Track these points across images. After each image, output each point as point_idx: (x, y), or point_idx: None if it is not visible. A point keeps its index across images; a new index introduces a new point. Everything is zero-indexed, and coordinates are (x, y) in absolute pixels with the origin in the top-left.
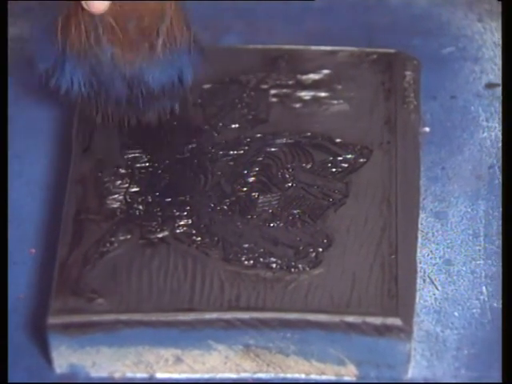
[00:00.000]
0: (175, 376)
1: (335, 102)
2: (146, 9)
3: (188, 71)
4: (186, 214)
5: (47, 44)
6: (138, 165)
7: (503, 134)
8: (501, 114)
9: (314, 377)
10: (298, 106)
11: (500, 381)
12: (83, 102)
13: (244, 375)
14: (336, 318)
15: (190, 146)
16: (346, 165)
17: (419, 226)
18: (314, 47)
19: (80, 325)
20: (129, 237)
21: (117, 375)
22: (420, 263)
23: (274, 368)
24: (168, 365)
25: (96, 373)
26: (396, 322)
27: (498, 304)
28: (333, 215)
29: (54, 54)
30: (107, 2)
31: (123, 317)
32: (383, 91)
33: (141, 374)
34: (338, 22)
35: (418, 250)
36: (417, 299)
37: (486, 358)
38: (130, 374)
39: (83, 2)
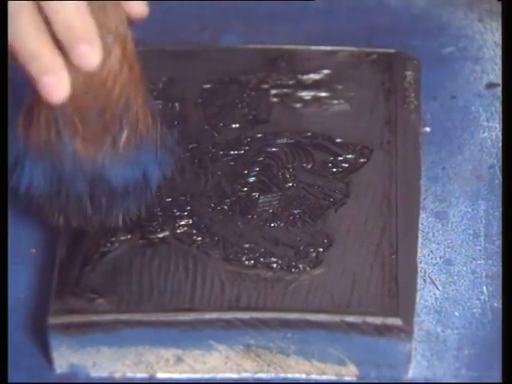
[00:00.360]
0: (176, 376)
1: (335, 101)
2: (108, 100)
3: (154, 169)
4: (186, 213)
5: (10, 138)
6: None
7: (503, 134)
8: (501, 114)
9: (314, 377)
10: (298, 105)
11: (500, 381)
12: (43, 201)
13: (245, 375)
14: (336, 318)
15: (191, 146)
16: (346, 165)
17: (419, 225)
18: (314, 47)
19: (80, 325)
20: (129, 237)
21: (117, 375)
22: (420, 263)
23: (274, 368)
24: (168, 365)
25: (96, 373)
26: (396, 321)
27: (498, 304)
28: (333, 215)
29: (15, 148)
30: (66, 92)
31: (123, 317)
32: (383, 91)
33: (141, 374)
34: (338, 22)
35: (419, 250)
36: (417, 299)
37: (486, 358)
38: (130, 374)
39: (43, 92)
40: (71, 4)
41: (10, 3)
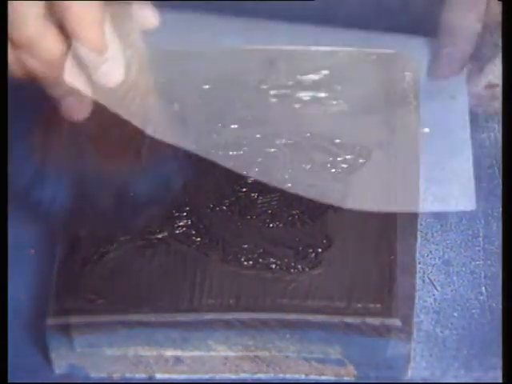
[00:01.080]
0: (175, 376)
1: (335, 102)
2: (129, 113)
3: (176, 178)
4: (185, 214)
5: (23, 156)
6: None
7: (503, 135)
8: (500, 115)
9: (313, 377)
10: (297, 106)
11: (500, 381)
12: (68, 215)
13: (243, 376)
14: (335, 319)
15: (190, 147)
16: (345, 165)
17: (418, 226)
18: (313, 47)
19: (79, 325)
20: (128, 237)
21: (116, 376)
22: (419, 264)
23: (273, 368)
24: (168, 365)
25: (95, 373)
26: (395, 322)
27: (497, 304)
28: (332, 216)
29: (31, 166)
30: (87, 111)
31: (123, 318)
32: (382, 92)
33: (140, 375)
34: (337, 22)
35: (418, 251)
36: (416, 300)
37: (485, 359)
38: (129, 375)
39: (65, 112)
40: (92, 25)
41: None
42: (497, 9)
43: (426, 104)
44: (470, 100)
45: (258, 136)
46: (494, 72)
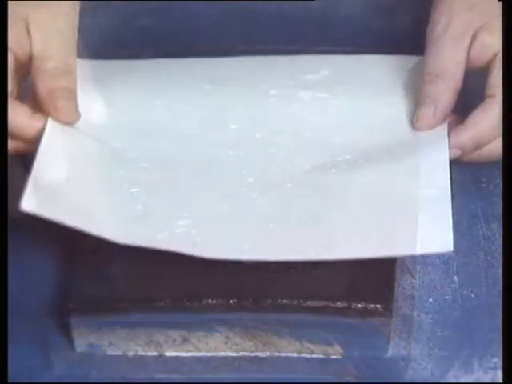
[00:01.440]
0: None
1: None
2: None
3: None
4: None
5: None
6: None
7: (503, 134)
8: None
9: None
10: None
11: (500, 381)
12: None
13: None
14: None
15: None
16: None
17: None
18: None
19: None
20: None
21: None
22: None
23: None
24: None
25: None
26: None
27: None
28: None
29: None
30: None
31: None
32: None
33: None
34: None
35: None
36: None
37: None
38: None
39: None
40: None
41: None
42: (484, 50)
43: None
44: (453, 151)
45: (258, 136)
46: (478, 124)
